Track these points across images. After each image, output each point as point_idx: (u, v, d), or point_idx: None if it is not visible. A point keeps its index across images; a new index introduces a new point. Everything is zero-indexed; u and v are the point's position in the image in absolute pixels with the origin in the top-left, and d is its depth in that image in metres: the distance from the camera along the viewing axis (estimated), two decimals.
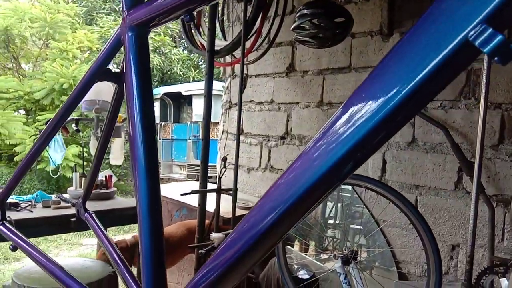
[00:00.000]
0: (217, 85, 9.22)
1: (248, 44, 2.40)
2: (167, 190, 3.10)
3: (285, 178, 0.41)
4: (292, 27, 1.95)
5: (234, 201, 2.23)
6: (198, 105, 8.14)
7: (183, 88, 9.03)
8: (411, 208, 1.43)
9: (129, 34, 0.66)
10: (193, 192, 2.16)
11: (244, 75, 3.30)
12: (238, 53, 2.78)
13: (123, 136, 2.19)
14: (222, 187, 2.29)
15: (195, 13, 2.49)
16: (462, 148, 2.09)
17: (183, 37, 2.75)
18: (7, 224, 1.01)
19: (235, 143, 2.28)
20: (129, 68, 0.64)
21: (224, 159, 2.24)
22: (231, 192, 2.24)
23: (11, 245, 0.97)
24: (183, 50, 13.43)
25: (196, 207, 2.82)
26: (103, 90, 2.02)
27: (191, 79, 12.16)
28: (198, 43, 2.67)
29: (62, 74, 8.68)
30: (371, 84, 0.36)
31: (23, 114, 9.80)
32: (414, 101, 0.32)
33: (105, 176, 2.04)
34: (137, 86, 0.63)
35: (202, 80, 11.34)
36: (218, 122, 3.81)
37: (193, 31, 2.67)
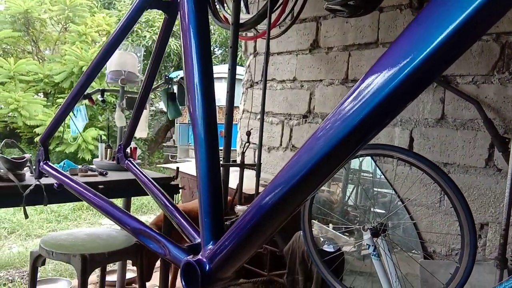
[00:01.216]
0: (216, 69, 9.19)
1: (273, 18, 2.35)
2: (188, 167, 3.10)
3: (313, 139, 0.40)
4: None
5: (258, 175, 2.21)
6: (216, 89, 8.10)
7: None
8: (445, 177, 1.38)
9: None
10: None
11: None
12: (261, 28, 2.74)
13: (148, 107, 2.19)
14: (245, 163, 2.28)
15: None
16: (494, 123, 2.02)
17: (208, 8, 2.71)
18: (50, 163, 1.01)
19: (260, 117, 2.25)
20: None
21: (248, 133, 2.22)
22: (254, 167, 2.23)
23: (55, 183, 0.97)
24: None
25: None
26: (128, 61, 2.01)
27: None
28: (222, 16, 2.63)
29: (81, 57, 8.75)
30: (397, 46, 0.36)
31: (43, 97, 9.94)
32: (439, 59, 0.31)
33: (130, 148, 2.04)
34: (193, 15, 0.60)
35: (218, 65, 11.26)
36: (236, 106, 3.78)
37: (217, 5, 2.63)
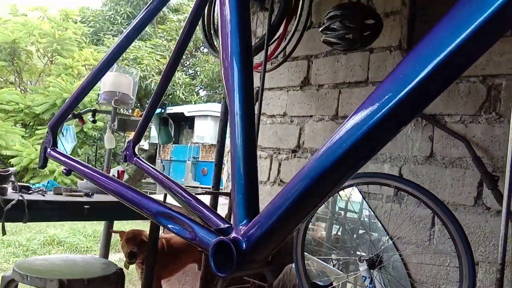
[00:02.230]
0: (215, 107, 9.28)
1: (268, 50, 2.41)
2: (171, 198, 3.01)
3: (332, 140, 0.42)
4: (321, 28, 1.96)
5: None
6: (200, 126, 8.14)
7: (186, 109, 9.07)
8: (442, 206, 1.38)
9: None
10: (207, 192, 2.10)
11: (257, 88, 3.31)
12: (255, 61, 2.79)
13: None
14: None
15: None
16: (483, 162, 2.06)
17: (203, 39, 2.77)
18: (57, 149, 0.95)
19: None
20: None
21: None
22: None
23: (64, 169, 0.91)
24: (187, 75, 13.60)
25: None
26: (123, 83, 1.99)
27: (193, 103, 12.24)
28: (217, 46, 2.68)
29: (66, 89, 8.71)
30: (383, 85, 0.40)
31: (21, 127, 9.73)
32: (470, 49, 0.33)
33: (117, 171, 1.98)
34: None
35: (204, 103, 11.36)
36: (214, 145, 3.77)
37: (213, 35, 2.69)
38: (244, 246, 0.45)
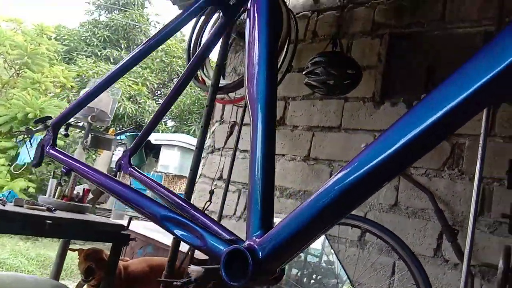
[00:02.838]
0: (183, 138, 9.24)
1: None
2: (134, 225, 2.90)
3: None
4: (305, 72, 2.04)
5: None
6: (166, 156, 8.01)
7: (153, 137, 8.94)
8: (412, 255, 1.42)
9: None
10: None
11: (232, 122, 3.35)
12: (234, 96, 2.85)
13: (113, 149, 2.09)
14: None
15: None
16: (444, 215, 2.15)
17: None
18: (57, 148, 0.90)
19: (225, 183, 2.25)
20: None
21: (211, 192, 2.17)
22: None
23: (63, 168, 0.86)
24: (157, 104, 13.53)
25: (164, 245, 2.65)
26: (103, 100, 1.96)
27: (160, 131, 12.12)
28: (200, 78, 2.72)
29: (30, 103, 8.40)
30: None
31: None
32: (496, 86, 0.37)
33: (83, 189, 1.90)
34: (264, 20, 0.61)
35: (171, 133, 11.20)
36: (178, 175, 3.73)
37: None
38: (260, 255, 0.45)
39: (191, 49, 2.83)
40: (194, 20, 2.86)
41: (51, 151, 0.89)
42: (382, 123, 2.53)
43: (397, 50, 2.73)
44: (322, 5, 3.10)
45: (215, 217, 3.09)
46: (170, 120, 14.77)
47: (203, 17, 2.85)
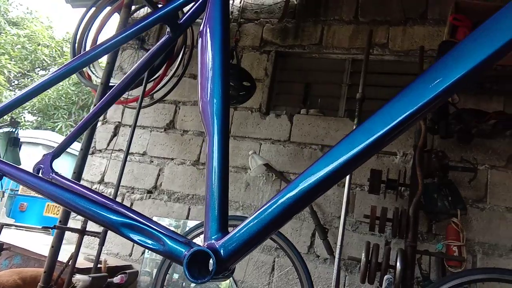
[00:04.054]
0: (49, 135, 8.33)
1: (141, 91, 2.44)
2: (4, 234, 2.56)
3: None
4: None
5: (102, 244, 2.03)
6: (29, 155, 7.09)
7: None
8: (297, 253, 1.62)
9: None
10: (55, 227, 1.90)
11: (117, 123, 3.22)
12: (124, 97, 2.76)
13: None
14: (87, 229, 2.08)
15: None
16: (318, 215, 2.46)
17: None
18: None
19: (114, 188, 2.18)
20: (212, 19, 0.68)
21: None
22: (99, 234, 2.05)
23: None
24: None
25: (37, 254, 2.41)
26: None
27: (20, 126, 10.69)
28: (86, 74, 2.57)
29: None
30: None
31: None
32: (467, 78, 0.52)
33: None
34: (217, 39, 0.66)
35: (32, 129, 9.99)
36: None
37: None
38: (222, 254, 0.52)
39: (77, 44, 2.66)
40: (82, 12, 2.70)
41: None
42: (267, 132, 2.76)
43: (281, 67, 3.01)
44: None
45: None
46: (30, 114, 13.15)
47: (92, 9, 2.71)
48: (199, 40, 0.70)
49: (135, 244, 2.86)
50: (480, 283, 1.82)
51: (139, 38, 2.53)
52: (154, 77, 2.40)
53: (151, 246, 0.56)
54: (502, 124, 2.13)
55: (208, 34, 0.68)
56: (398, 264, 1.76)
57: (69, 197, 0.63)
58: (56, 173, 0.88)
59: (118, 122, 3.20)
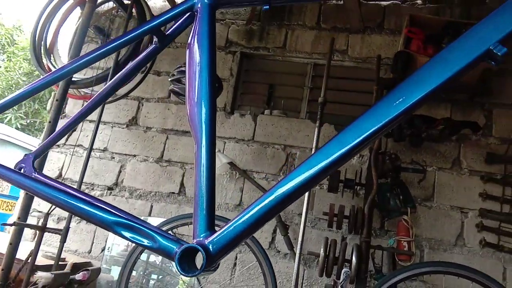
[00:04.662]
0: (1, 128, 7.82)
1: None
2: None
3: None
4: (171, 78, 2.13)
5: (63, 241, 2.01)
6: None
7: None
8: (261, 249, 1.70)
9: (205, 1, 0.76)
10: (15, 223, 1.85)
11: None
12: (84, 92, 2.71)
13: None
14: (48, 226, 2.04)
15: None
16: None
17: (31, 53, 2.52)
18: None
19: (77, 184, 2.15)
20: (200, 34, 0.72)
21: None
22: (60, 230, 2.02)
23: None
24: None
25: None
26: None
27: None
28: (46, 66, 2.50)
29: None
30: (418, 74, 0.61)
31: None
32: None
33: None
34: (205, 52, 0.71)
35: None
36: None
37: (42, 52, 2.50)
38: (211, 250, 0.57)
39: (37, 38, 2.58)
40: (43, 4, 2.62)
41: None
42: (232, 131, 2.82)
43: (246, 68, 3.07)
44: None
45: (51, 219, 2.85)
46: None
47: (54, 2, 2.63)
48: (187, 52, 0.75)
49: (94, 241, 2.83)
50: (427, 275, 2.00)
51: (103, 33, 2.49)
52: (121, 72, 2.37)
53: (144, 244, 0.61)
54: (448, 129, 2.33)
55: (196, 46, 0.73)
56: (353, 258, 1.89)
57: (63, 197, 0.66)
58: (39, 173, 0.90)
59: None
